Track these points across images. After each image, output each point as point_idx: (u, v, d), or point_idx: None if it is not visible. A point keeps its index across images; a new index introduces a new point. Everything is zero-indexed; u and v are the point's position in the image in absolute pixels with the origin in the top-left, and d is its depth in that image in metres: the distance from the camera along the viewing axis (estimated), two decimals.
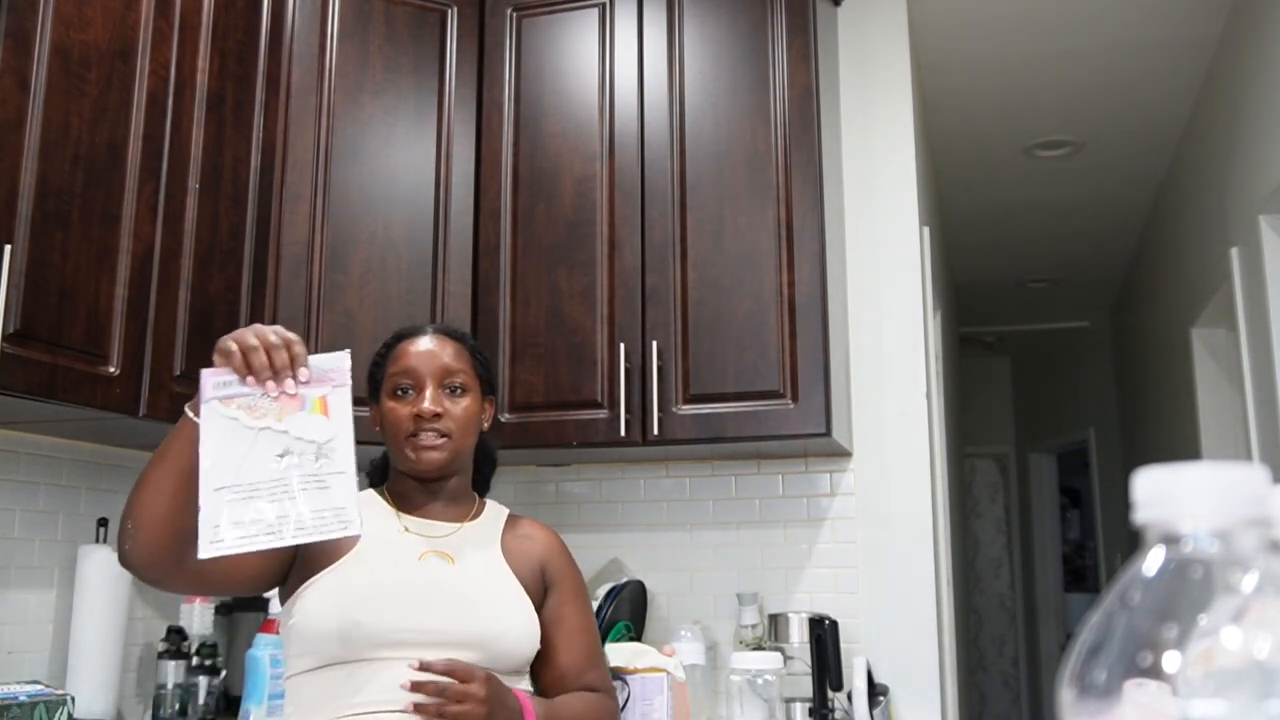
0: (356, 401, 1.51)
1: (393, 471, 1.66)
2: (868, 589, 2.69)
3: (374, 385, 1.65)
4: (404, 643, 1.43)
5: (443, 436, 1.56)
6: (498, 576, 1.57)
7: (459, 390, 1.59)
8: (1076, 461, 7.44)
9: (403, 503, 1.62)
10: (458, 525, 1.61)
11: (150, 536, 1.33)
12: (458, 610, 1.48)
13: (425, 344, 1.61)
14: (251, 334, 1.36)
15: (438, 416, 1.55)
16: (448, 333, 1.66)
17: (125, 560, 1.37)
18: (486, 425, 1.68)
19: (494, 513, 1.69)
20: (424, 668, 1.38)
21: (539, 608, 1.59)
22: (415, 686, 1.36)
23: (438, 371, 1.58)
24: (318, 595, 1.47)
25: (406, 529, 1.58)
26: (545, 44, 2.76)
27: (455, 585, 1.52)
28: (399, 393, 1.58)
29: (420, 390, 1.57)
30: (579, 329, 2.57)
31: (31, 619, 2.20)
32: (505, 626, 1.51)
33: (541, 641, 1.58)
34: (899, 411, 2.77)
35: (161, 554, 1.35)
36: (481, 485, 1.74)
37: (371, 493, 1.65)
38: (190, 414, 1.35)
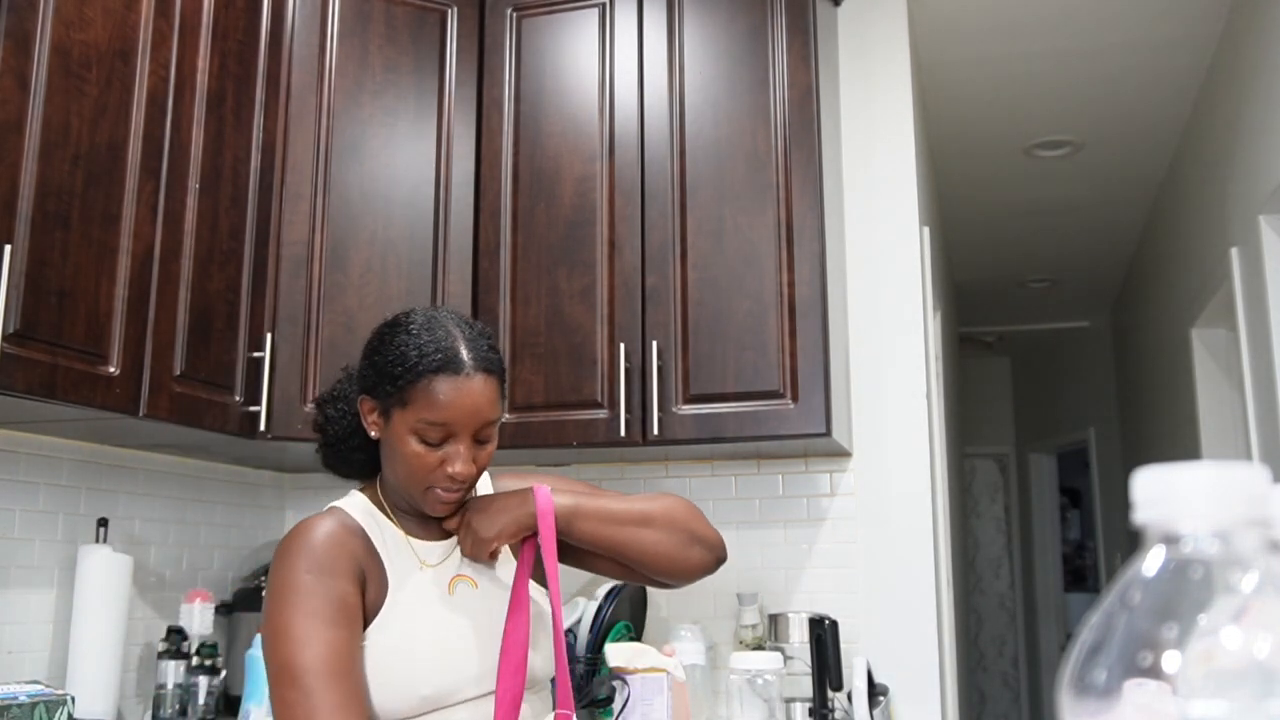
0: (342, 398, 1.50)
1: (388, 483, 1.48)
2: (868, 589, 2.69)
3: (383, 395, 1.40)
4: (459, 693, 1.36)
5: (464, 488, 1.41)
6: (502, 567, 1.49)
7: (488, 438, 1.41)
8: (1076, 461, 7.44)
9: (404, 519, 1.47)
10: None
11: None
12: (495, 645, 1.39)
13: (466, 390, 1.36)
14: None
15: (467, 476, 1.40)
16: (487, 366, 1.40)
17: None
18: None
19: (482, 487, 1.56)
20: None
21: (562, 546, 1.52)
22: None
23: (476, 426, 1.38)
24: (376, 664, 1.32)
25: (424, 563, 1.43)
26: (545, 44, 2.76)
27: (487, 619, 1.41)
28: (426, 441, 1.37)
29: (453, 442, 1.37)
30: (579, 329, 2.57)
31: (31, 619, 2.20)
32: (533, 650, 1.41)
33: (588, 550, 1.50)
34: (899, 411, 2.77)
35: None
36: None
37: (365, 505, 1.45)
38: None
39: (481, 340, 1.43)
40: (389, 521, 1.44)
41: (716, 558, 1.53)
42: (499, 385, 1.42)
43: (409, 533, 1.45)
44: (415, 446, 1.36)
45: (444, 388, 1.35)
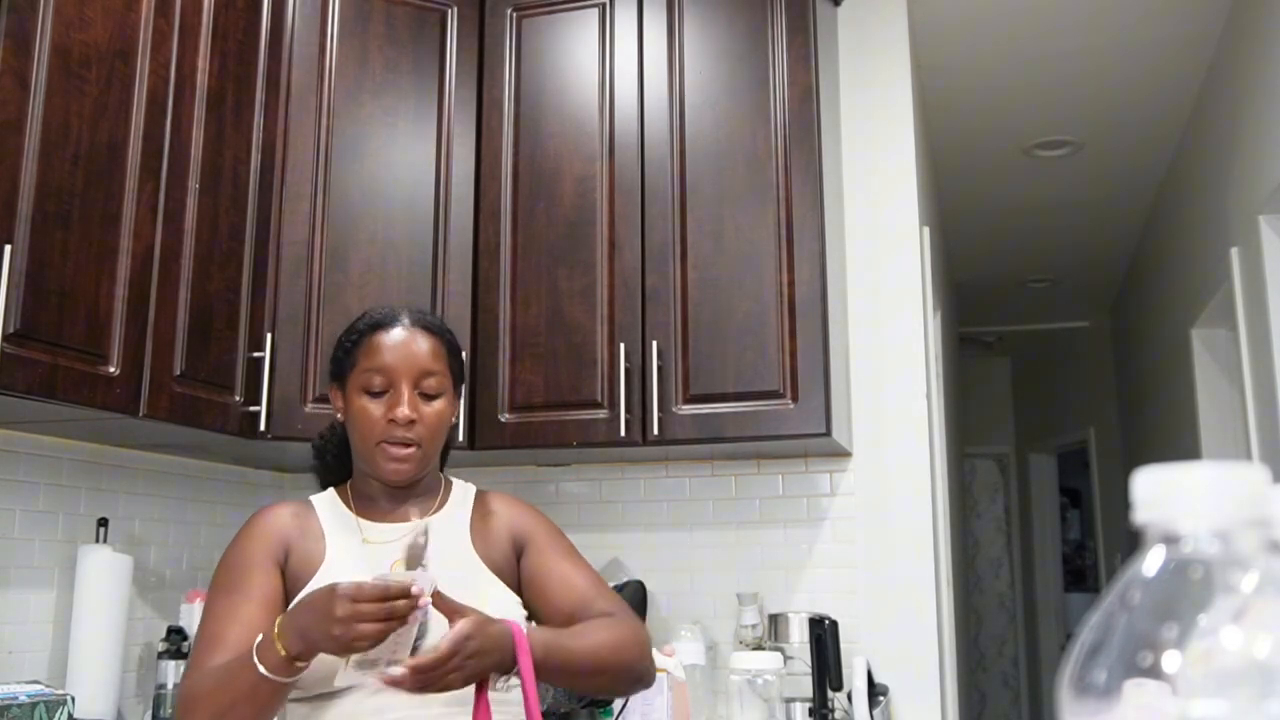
0: (327, 428, 1.54)
1: (357, 471, 1.59)
2: (868, 589, 2.69)
3: (338, 370, 1.56)
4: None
5: (413, 446, 1.50)
6: (470, 575, 1.52)
7: (433, 394, 1.53)
8: (1076, 461, 7.44)
9: (367, 506, 1.56)
10: (420, 523, 1.53)
11: None
12: (435, 620, 1.41)
13: (402, 339, 1.52)
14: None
15: (412, 423, 1.49)
16: (425, 325, 1.56)
17: None
18: (454, 421, 1.61)
19: (460, 496, 1.63)
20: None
21: (519, 576, 1.56)
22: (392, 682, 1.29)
23: (415, 372, 1.51)
24: None
25: (367, 540, 1.51)
26: (545, 44, 2.76)
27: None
28: (371, 391, 1.50)
29: (395, 390, 1.50)
30: (579, 329, 2.57)
31: (31, 619, 2.20)
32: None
33: (537, 597, 1.55)
34: (899, 411, 2.77)
35: None
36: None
37: (332, 495, 1.59)
38: (271, 675, 1.29)
39: (426, 314, 1.59)
40: (345, 506, 1.56)
41: (645, 686, 1.60)
42: (440, 345, 1.55)
43: (363, 515, 1.55)
44: (363, 401, 1.50)
45: (382, 339, 1.52)
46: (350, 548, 1.51)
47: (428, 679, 1.27)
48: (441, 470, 1.68)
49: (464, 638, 1.30)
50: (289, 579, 1.48)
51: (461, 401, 1.80)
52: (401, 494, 1.57)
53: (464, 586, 1.47)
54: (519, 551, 1.59)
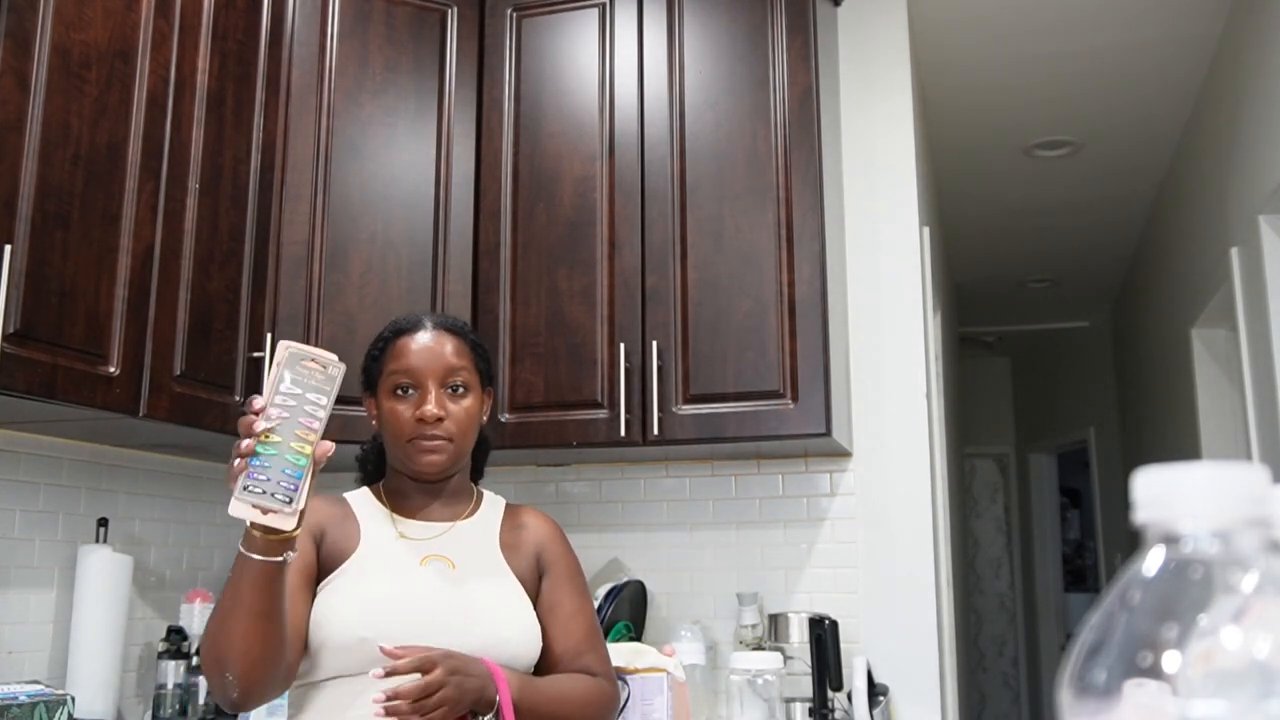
0: (349, 400, 1.53)
1: (390, 469, 1.63)
2: (868, 589, 2.69)
3: (369, 379, 1.61)
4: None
5: (444, 439, 1.53)
6: (498, 579, 1.56)
7: (460, 389, 1.56)
8: (1076, 461, 7.44)
9: (400, 502, 1.60)
10: (452, 524, 1.59)
11: (259, 684, 1.32)
12: (461, 619, 1.47)
13: (426, 340, 1.57)
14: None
15: (440, 420, 1.53)
16: (448, 327, 1.61)
17: (237, 709, 1.36)
18: (485, 419, 1.65)
19: (491, 505, 1.67)
20: (390, 671, 1.33)
21: (535, 595, 1.59)
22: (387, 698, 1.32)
23: (440, 371, 1.55)
24: (321, 609, 1.45)
25: (402, 534, 1.56)
26: (545, 44, 2.76)
27: (457, 592, 1.51)
28: (399, 391, 1.55)
29: (422, 390, 1.54)
30: (579, 329, 2.57)
31: (31, 619, 2.20)
32: (509, 633, 1.50)
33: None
34: (899, 411, 2.77)
35: (270, 690, 1.36)
36: (476, 472, 1.71)
37: (365, 492, 1.63)
38: (250, 554, 1.33)
39: (447, 316, 1.65)
40: (379, 502, 1.60)
41: None
42: (461, 344, 1.59)
43: (396, 511, 1.59)
44: (393, 403, 1.55)
45: (406, 342, 1.57)
46: (385, 539, 1.54)
47: (419, 705, 1.30)
48: (480, 477, 1.72)
49: (442, 655, 1.35)
50: (322, 560, 1.51)
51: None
52: (433, 493, 1.61)
53: (490, 590, 1.53)
54: (540, 574, 1.62)
